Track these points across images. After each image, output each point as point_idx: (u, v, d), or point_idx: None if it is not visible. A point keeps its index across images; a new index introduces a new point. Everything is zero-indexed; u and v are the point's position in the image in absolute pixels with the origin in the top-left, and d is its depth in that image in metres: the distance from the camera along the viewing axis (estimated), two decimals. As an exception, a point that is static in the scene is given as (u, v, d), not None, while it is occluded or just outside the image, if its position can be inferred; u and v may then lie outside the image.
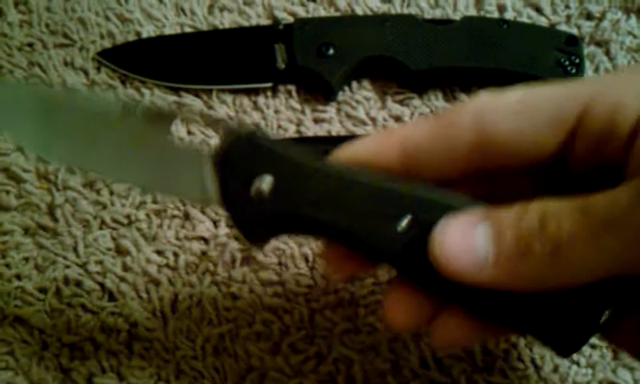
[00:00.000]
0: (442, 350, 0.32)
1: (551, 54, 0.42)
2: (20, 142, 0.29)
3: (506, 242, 0.22)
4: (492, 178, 0.27)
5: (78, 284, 0.38)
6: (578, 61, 0.41)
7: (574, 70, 0.41)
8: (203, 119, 0.30)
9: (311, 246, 0.39)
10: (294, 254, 0.39)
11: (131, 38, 0.44)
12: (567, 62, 0.41)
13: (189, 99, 0.42)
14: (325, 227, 0.26)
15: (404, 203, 0.25)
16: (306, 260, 0.39)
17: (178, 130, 0.40)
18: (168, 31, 0.44)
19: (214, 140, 0.40)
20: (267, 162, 0.26)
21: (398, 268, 0.26)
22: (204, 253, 0.39)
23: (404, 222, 0.25)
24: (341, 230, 0.26)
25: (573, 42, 0.42)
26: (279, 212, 0.26)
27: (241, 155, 0.27)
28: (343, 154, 0.27)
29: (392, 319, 0.27)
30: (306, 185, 0.26)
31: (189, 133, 0.41)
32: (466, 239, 0.23)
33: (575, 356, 0.36)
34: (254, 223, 0.27)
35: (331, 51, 0.41)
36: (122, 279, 0.38)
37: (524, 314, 0.25)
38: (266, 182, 0.26)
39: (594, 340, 0.36)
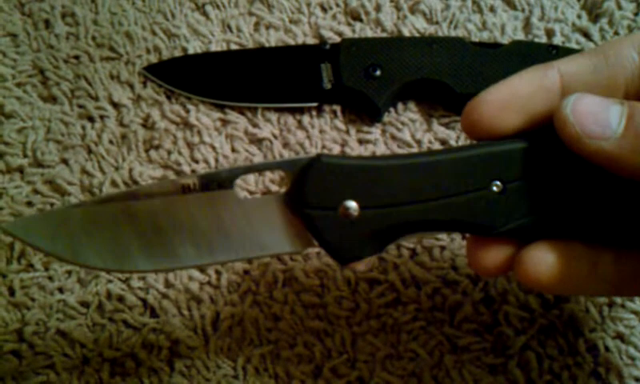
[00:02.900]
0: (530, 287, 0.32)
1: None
2: (97, 265, 0.27)
3: (636, 122, 0.23)
4: None
5: (120, 299, 0.38)
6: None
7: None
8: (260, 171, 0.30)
9: (353, 269, 0.38)
10: (336, 277, 0.38)
11: (177, 53, 0.44)
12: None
13: (234, 116, 0.42)
14: (420, 223, 0.26)
15: (489, 167, 0.26)
16: (348, 283, 0.38)
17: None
18: (214, 47, 0.44)
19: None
20: (346, 183, 0.26)
21: (505, 233, 0.26)
22: (246, 272, 0.39)
23: (495, 186, 0.26)
24: (437, 218, 0.26)
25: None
26: (371, 228, 0.26)
27: (319, 185, 0.27)
28: (498, 95, 0.27)
29: (480, 266, 0.27)
30: (390, 187, 0.26)
31: (233, 150, 0.41)
32: (599, 108, 0.24)
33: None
34: (347, 245, 0.27)
35: (378, 72, 0.41)
36: (164, 296, 0.38)
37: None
38: (350, 206, 0.26)
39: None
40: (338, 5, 0.45)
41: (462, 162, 0.26)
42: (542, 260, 0.26)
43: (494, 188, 0.26)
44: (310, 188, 0.27)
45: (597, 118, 0.24)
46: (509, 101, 0.26)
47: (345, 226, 0.26)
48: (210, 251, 0.27)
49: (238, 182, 0.34)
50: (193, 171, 0.41)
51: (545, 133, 0.26)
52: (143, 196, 0.27)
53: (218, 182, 0.28)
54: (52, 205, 0.40)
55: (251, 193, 0.40)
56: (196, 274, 0.39)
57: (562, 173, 0.26)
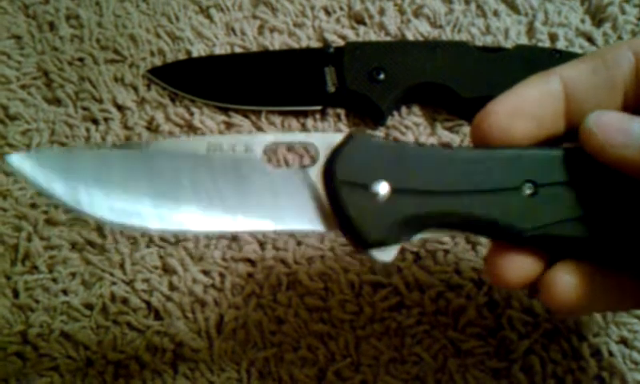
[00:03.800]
0: (555, 310, 0.32)
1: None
2: (103, 216, 0.25)
3: None
4: None
5: (125, 301, 0.38)
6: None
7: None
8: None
9: (357, 272, 0.38)
10: (340, 280, 0.38)
11: (181, 56, 0.44)
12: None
13: (237, 119, 0.42)
14: (448, 215, 0.26)
15: (523, 168, 0.26)
16: (352, 286, 0.38)
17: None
18: (218, 50, 0.44)
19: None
20: (381, 162, 0.26)
21: (532, 238, 0.26)
22: (250, 275, 0.39)
23: (527, 188, 0.26)
24: (467, 212, 0.26)
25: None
26: (399, 213, 0.26)
27: (353, 160, 0.26)
28: (506, 104, 0.27)
29: (502, 276, 0.27)
30: (424, 174, 0.26)
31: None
32: (621, 119, 0.25)
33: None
34: (370, 226, 0.26)
35: (382, 76, 0.41)
36: (168, 298, 0.38)
37: None
38: (382, 187, 0.26)
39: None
40: (342, 8, 0.45)
41: (497, 159, 0.26)
42: (569, 285, 0.26)
43: (527, 190, 0.26)
44: (341, 162, 0.26)
45: (619, 127, 0.25)
46: (517, 109, 0.27)
47: (373, 206, 0.26)
48: (228, 216, 0.26)
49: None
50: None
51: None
52: (166, 151, 0.26)
53: (245, 146, 0.27)
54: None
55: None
56: (200, 276, 0.39)
57: (594, 184, 0.26)
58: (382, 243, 0.26)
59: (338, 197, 0.26)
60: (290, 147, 0.41)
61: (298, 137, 0.29)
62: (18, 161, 0.26)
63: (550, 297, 0.26)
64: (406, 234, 0.27)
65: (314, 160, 0.27)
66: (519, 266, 0.27)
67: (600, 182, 0.26)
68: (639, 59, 0.26)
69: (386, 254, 0.26)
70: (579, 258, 0.26)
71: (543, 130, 0.27)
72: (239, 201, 0.27)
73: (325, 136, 0.27)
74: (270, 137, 0.28)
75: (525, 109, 0.27)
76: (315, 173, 0.27)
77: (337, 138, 0.27)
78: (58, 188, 0.26)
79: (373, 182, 0.26)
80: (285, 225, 0.27)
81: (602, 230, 0.26)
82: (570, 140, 0.27)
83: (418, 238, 0.27)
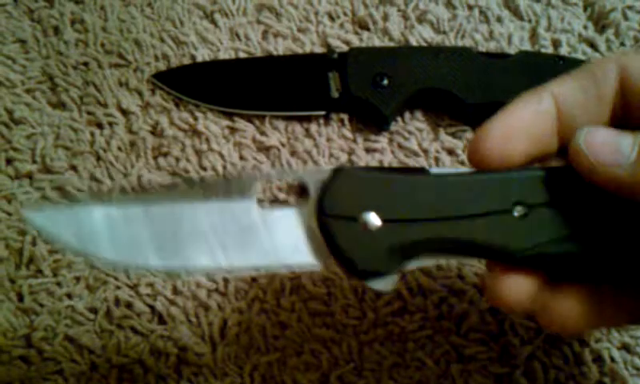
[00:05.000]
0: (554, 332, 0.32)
1: (607, 92, 0.41)
2: (112, 262, 0.28)
3: None
4: None
5: (129, 305, 0.39)
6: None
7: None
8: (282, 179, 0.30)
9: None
10: (343, 285, 0.39)
11: (186, 61, 0.44)
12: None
13: (242, 124, 0.42)
14: (440, 241, 0.26)
15: (512, 191, 0.26)
16: (355, 291, 0.39)
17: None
18: (222, 55, 0.44)
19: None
20: (368, 194, 0.26)
21: (526, 259, 0.26)
22: (254, 280, 0.39)
23: (518, 210, 0.26)
24: (458, 237, 0.26)
25: (629, 81, 0.41)
26: (390, 242, 0.26)
27: (341, 194, 0.27)
28: (501, 126, 0.27)
29: (500, 298, 0.27)
30: (413, 202, 0.26)
31: (241, 158, 0.42)
32: (610, 138, 0.25)
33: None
34: (363, 256, 0.26)
35: (385, 82, 0.41)
36: (172, 302, 0.39)
37: None
38: (371, 217, 0.26)
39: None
40: (345, 14, 0.46)
41: (486, 183, 0.26)
42: (566, 309, 0.26)
43: (516, 213, 0.26)
44: (330, 197, 0.27)
45: (609, 147, 0.25)
46: (512, 130, 0.27)
47: (363, 237, 0.26)
48: (227, 259, 0.27)
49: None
50: (201, 179, 0.41)
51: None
52: (164, 197, 0.28)
53: (239, 189, 0.28)
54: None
55: (259, 200, 0.40)
56: (204, 281, 0.39)
57: (585, 202, 0.26)
58: (376, 273, 0.27)
59: (329, 230, 0.27)
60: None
61: (289, 175, 0.30)
62: (32, 216, 0.28)
63: (548, 321, 0.27)
64: (399, 261, 0.27)
65: (306, 195, 0.28)
66: (517, 287, 0.27)
67: (591, 201, 0.26)
68: (624, 73, 0.26)
69: (384, 284, 0.27)
70: (575, 277, 0.27)
71: (538, 149, 0.27)
72: (238, 246, 0.28)
73: (315, 172, 0.28)
74: (262, 177, 0.29)
75: (519, 129, 0.27)
76: (308, 209, 0.28)
77: (326, 173, 0.27)
78: (68, 241, 0.27)
79: (361, 213, 0.26)
80: (282, 262, 0.28)
81: (595, 248, 0.26)
82: (563, 155, 0.28)
83: (413, 265, 0.27)
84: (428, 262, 0.29)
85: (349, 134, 0.42)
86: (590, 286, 0.27)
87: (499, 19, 0.45)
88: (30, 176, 0.42)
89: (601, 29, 0.45)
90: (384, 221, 0.26)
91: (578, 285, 0.27)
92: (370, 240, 0.26)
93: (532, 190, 0.26)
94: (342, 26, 0.45)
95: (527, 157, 0.27)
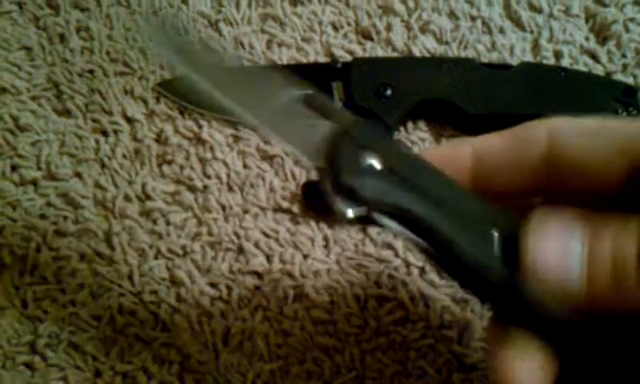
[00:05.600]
0: None
1: (608, 104, 0.41)
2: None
3: (599, 266, 0.22)
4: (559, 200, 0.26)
5: (132, 313, 0.39)
6: (635, 112, 0.41)
7: (631, 121, 0.41)
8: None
9: (363, 285, 0.39)
10: (346, 294, 0.39)
11: (190, 69, 0.45)
12: (625, 113, 0.41)
13: (245, 133, 0.43)
14: (419, 223, 0.25)
15: (492, 217, 0.25)
16: (358, 300, 0.39)
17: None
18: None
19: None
20: (378, 149, 0.26)
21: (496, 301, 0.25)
22: (257, 287, 0.39)
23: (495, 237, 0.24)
24: (439, 234, 0.25)
25: (630, 93, 0.42)
26: (385, 196, 0.25)
27: (356, 137, 0.26)
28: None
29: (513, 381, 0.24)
30: (413, 177, 0.25)
31: (244, 166, 0.42)
32: (560, 252, 0.22)
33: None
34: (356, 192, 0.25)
35: (389, 92, 0.42)
36: (176, 310, 0.39)
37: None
38: (376, 161, 0.25)
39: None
40: (349, 24, 0.46)
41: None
42: None
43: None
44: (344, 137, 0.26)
45: (559, 261, 0.22)
46: None
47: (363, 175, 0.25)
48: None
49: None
50: (205, 187, 0.41)
51: None
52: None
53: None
54: (65, 218, 0.41)
55: (262, 209, 0.41)
56: (207, 288, 0.39)
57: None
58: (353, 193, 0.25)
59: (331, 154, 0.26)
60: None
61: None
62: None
63: None
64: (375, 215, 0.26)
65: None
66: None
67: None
68: (555, 137, 0.25)
69: (349, 209, 0.25)
70: None
71: None
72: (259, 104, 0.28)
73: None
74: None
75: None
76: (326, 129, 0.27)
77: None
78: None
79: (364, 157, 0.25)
80: (284, 139, 0.28)
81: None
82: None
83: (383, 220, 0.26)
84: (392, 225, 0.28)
85: (352, 144, 0.42)
86: None
87: (501, 30, 0.45)
88: (34, 183, 0.42)
89: (602, 40, 0.45)
90: (381, 170, 0.25)
91: None
92: (362, 176, 0.25)
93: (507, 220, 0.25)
94: (345, 36, 0.46)
95: None
